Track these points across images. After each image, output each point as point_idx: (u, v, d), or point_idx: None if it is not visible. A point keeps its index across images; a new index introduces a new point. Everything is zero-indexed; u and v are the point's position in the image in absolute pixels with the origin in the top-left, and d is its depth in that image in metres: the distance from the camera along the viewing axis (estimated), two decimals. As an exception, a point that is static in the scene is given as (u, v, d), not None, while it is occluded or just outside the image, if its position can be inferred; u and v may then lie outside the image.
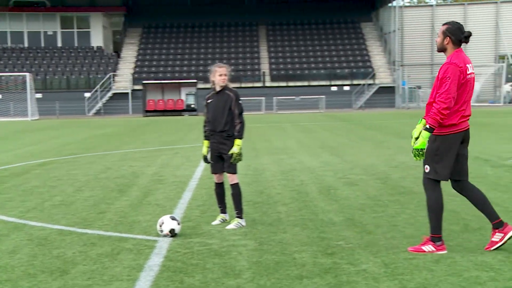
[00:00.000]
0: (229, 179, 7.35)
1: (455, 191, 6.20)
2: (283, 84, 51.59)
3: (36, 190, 10.18)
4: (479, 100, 53.01)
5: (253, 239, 6.58)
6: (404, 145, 16.92)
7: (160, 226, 6.73)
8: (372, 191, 9.51)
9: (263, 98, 47.84)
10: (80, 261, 5.80)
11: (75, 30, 57.64)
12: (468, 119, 5.91)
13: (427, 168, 5.92)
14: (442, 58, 44.16)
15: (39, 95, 48.15)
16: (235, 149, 7.16)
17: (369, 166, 12.49)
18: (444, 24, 5.93)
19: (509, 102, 50.61)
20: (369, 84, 50.82)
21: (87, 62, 53.78)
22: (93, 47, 56.41)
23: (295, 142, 19.20)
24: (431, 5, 62.34)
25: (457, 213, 7.69)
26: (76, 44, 57.01)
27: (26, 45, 56.78)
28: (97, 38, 57.34)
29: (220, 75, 7.28)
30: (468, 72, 5.77)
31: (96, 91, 49.88)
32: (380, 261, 5.61)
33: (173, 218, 6.78)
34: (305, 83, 51.51)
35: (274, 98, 47.97)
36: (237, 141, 7.20)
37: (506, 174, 10.88)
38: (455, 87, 5.68)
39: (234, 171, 7.29)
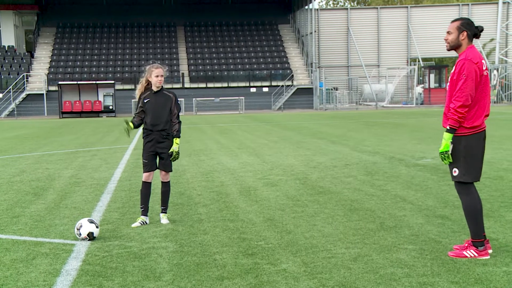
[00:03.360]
0: (164, 177, 7.54)
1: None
2: (202, 85, 51.50)
3: None
4: (392, 101, 54.65)
5: (173, 241, 6.55)
6: (322, 146, 17.23)
7: (78, 229, 6.60)
8: (292, 191, 9.65)
9: (182, 99, 47.57)
10: (-7, 267, 5.61)
11: (-15, 28, 55.52)
12: (485, 118, 5.71)
13: (455, 172, 5.65)
14: (357, 60, 44.81)
15: None
16: (175, 148, 7.41)
17: (289, 167, 12.65)
18: (454, 21, 5.74)
19: (421, 104, 52.41)
20: (288, 86, 51.43)
21: (-1, 61, 51.92)
22: (4, 46, 54.48)
23: (215, 143, 19.21)
24: (346, 8, 63.80)
25: (373, 211, 7.91)
26: (-14, 43, 54.92)
27: None
28: (9, 37, 55.40)
29: (157, 76, 7.38)
30: (483, 69, 5.60)
31: (8, 92, 48.20)
32: (300, 260, 5.70)
33: (91, 221, 6.66)
34: (224, 85, 51.59)
35: (194, 99, 47.80)
36: (177, 140, 7.47)
37: (419, 173, 11.27)
38: (472, 83, 5.50)
39: (170, 169, 7.55)
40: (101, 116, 46.01)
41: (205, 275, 5.30)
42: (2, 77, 49.56)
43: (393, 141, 17.56)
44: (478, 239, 5.61)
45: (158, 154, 7.49)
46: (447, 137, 5.57)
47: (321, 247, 6.17)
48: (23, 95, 48.46)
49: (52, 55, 53.46)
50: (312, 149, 16.52)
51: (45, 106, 48.54)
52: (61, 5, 56.94)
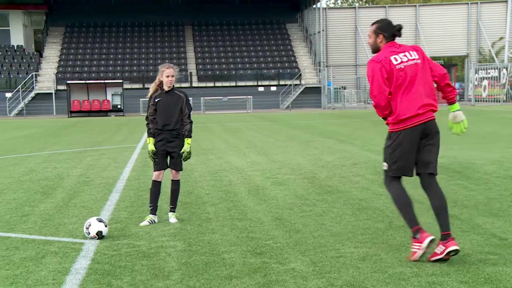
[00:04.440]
0: (174, 175, 7.61)
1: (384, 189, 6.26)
2: (210, 84, 51.52)
3: (-46, 194, 9.81)
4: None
5: (182, 240, 6.56)
6: (330, 145, 17.21)
7: (87, 228, 6.62)
8: (300, 190, 9.64)
9: (190, 98, 47.48)
10: (2, 265, 5.64)
11: (-6, 28, 55.75)
12: (425, 110, 5.55)
13: (385, 166, 5.76)
14: (366, 58, 44.66)
15: (-44, 95, 46.31)
16: (186, 148, 7.46)
17: (297, 166, 12.64)
18: (372, 24, 5.82)
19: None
20: (296, 85, 51.39)
21: (7, 61, 52.10)
22: (13, 46, 54.67)
23: (223, 142, 19.22)
24: (354, 7, 63.66)
25: (382, 211, 7.89)
26: (-5, 43, 55.15)
27: None
28: (18, 37, 55.60)
29: (168, 76, 7.42)
30: (394, 63, 5.54)
31: (17, 91, 48.39)
32: (308, 259, 5.70)
33: (100, 220, 6.68)
34: (232, 84, 51.61)
35: (202, 98, 47.82)
36: (188, 140, 7.51)
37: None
38: (379, 83, 5.53)
39: (181, 168, 7.61)
40: (110, 115, 46.12)
41: (214, 274, 5.30)
42: (11, 76, 49.75)
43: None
44: (414, 227, 5.62)
45: (168, 153, 7.51)
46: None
47: (330, 246, 6.16)
48: (32, 94, 48.63)
49: (60, 55, 53.62)
50: (320, 148, 16.50)
51: (54, 105, 48.70)
52: (70, 4, 57.07)
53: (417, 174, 5.76)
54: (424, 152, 5.63)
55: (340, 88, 53.81)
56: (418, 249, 5.52)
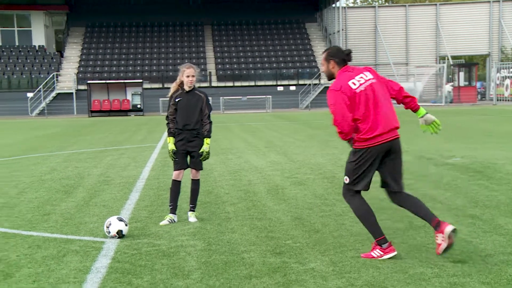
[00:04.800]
0: (194, 175, 7.64)
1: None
2: (230, 84, 51.59)
3: (-23, 193, 9.92)
4: (421, 100, 54.14)
5: (201, 239, 6.58)
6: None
7: (107, 227, 6.66)
8: (319, 190, 9.62)
9: (209, 98, 47.70)
10: (25, 264, 5.69)
11: (16, 28, 56.27)
12: (391, 128, 5.75)
13: (347, 179, 5.93)
14: (385, 58, 44.28)
15: (-21, 95, 46.84)
16: (205, 148, 7.49)
17: (316, 165, 12.62)
18: (323, 52, 5.99)
19: (450, 102, 51.90)
20: (315, 84, 51.28)
21: (29, 61, 52.59)
22: (35, 46, 55.17)
23: (242, 142, 19.23)
24: (374, 6, 63.35)
25: (402, 211, 7.83)
26: (17, 43, 55.66)
27: (-36, 43, 55.20)
28: (39, 37, 56.11)
29: (188, 76, 7.44)
30: (353, 88, 5.69)
31: (39, 91, 48.82)
32: (328, 259, 5.68)
33: (120, 219, 6.72)
34: (252, 83, 51.62)
35: (221, 98, 47.90)
36: (207, 140, 7.54)
37: (448, 173, 11.15)
38: (342, 111, 5.64)
39: (200, 168, 7.64)
40: (129, 115, 46.36)
41: (233, 274, 5.31)
42: (33, 76, 50.22)
43: (422, 140, 17.41)
44: (379, 237, 5.75)
45: (188, 152, 7.53)
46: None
47: (350, 246, 6.14)
48: (53, 94, 49.04)
49: (81, 55, 54.02)
50: (340, 147, 16.44)
51: (75, 105, 49.06)
52: (90, 5, 57.47)
53: (385, 186, 5.97)
54: (389, 169, 5.86)
55: (360, 88, 53.55)
56: (379, 256, 5.69)
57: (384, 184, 5.94)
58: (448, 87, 53.75)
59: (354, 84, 5.71)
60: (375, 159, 5.76)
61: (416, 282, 4.99)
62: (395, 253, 5.70)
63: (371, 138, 5.69)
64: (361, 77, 5.77)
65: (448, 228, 5.53)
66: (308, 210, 8.07)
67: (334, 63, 5.86)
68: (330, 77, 5.94)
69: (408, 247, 6.05)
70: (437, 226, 5.65)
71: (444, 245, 5.55)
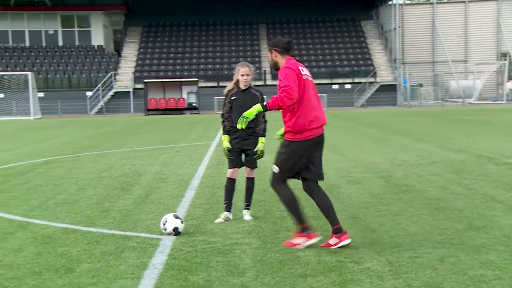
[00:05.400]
0: (249, 173, 7.67)
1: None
2: (284, 82, 51.54)
3: (39, 189, 10.19)
4: (481, 98, 52.94)
5: (256, 237, 6.59)
6: (406, 143, 16.91)
7: (164, 224, 6.73)
8: (375, 189, 9.51)
9: (264, 96, 47.82)
10: (84, 259, 5.81)
11: (76, 29, 57.63)
12: (321, 124, 6.15)
13: (276, 169, 6.20)
14: (443, 55, 43.60)
15: (41, 94, 48.15)
16: (260, 147, 7.51)
17: (372, 164, 12.48)
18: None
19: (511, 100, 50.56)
20: (371, 82, 50.77)
21: (88, 61, 53.78)
22: (94, 46, 56.40)
23: (297, 140, 19.17)
24: (432, 3, 62.24)
25: (461, 211, 7.69)
26: (77, 43, 57.00)
27: (27, 44, 56.80)
28: (98, 37, 57.32)
29: (243, 75, 7.47)
30: (303, 73, 6.05)
31: (97, 90, 49.87)
32: (384, 259, 5.61)
33: (176, 217, 6.79)
34: (306, 82, 51.43)
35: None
36: (262, 139, 7.57)
37: (509, 172, 10.87)
38: (293, 83, 5.89)
39: (255, 166, 7.67)
40: (185, 113, 46.86)
41: (288, 272, 5.29)
42: (92, 75, 51.34)
43: (482, 139, 17.02)
44: (302, 225, 6.12)
45: (243, 151, 7.55)
46: (257, 109, 5.99)
47: (406, 246, 6.05)
48: (111, 93, 50.02)
49: (138, 54, 54.92)
50: (396, 146, 16.24)
51: (132, 104, 49.93)
52: (147, 5, 58.37)
53: (303, 178, 6.27)
54: (313, 160, 6.18)
55: (416, 86, 52.79)
56: (302, 242, 6.03)
57: (305, 172, 6.21)
58: (509, 85, 52.37)
59: (302, 71, 6.09)
60: (306, 152, 6.09)
61: (476, 284, 4.87)
62: (320, 237, 6.08)
63: (305, 131, 6.02)
64: (304, 68, 6.17)
65: (346, 242, 6.01)
66: (363, 209, 7.99)
67: (276, 52, 6.16)
68: (276, 66, 6.22)
69: (468, 248, 5.92)
70: (339, 230, 6.07)
71: (334, 247, 5.99)
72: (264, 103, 5.99)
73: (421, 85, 53.57)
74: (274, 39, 6.26)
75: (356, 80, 51.33)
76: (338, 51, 55.00)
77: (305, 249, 6.02)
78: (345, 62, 53.37)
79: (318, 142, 6.16)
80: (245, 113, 6.04)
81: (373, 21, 59.43)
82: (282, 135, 6.24)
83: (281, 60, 6.17)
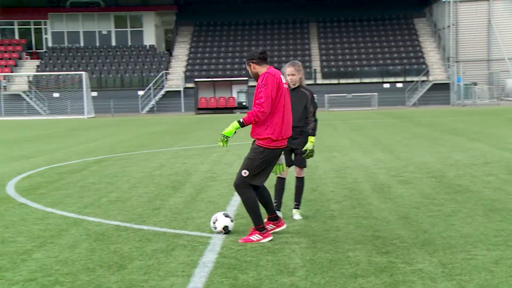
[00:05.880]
0: (298, 172, 7.65)
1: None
2: (335, 81, 51.26)
3: (93, 187, 10.39)
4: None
5: (306, 236, 6.56)
6: (459, 143, 16.61)
7: (214, 223, 6.77)
8: (427, 189, 9.36)
9: (314, 95, 47.60)
10: (136, 256, 5.89)
11: (129, 29, 58.52)
12: (288, 137, 6.52)
13: (246, 173, 6.39)
14: (499, 53, 42.63)
15: (94, 94, 49.09)
16: (309, 146, 7.43)
17: (424, 164, 12.30)
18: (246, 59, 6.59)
19: None
20: (423, 81, 49.99)
21: (140, 60, 54.54)
22: (146, 45, 57.17)
23: (347, 139, 19.05)
24: (488, 0, 60.83)
25: (516, 212, 7.50)
26: (129, 43, 57.88)
27: (82, 44, 58.00)
28: (150, 37, 58.08)
29: (289, 74, 7.44)
30: (282, 81, 6.38)
31: (149, 89, 50.54)
32: (437, 260, 5.51)
33: (226, 215, 6.82)
34: (357, 80, 51.04)
35: (326, 95, 47.67)
36: (311, 138, 7.47)
37: None
38: (270, 93, 6.22)
39: (304, 165, 7.64)
40: (235, 113, 47.05)
41: (339, 272, 5.25)
42: (144, 75, 52.06)
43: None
44: (259, 225, 6.43)
45: (293, 150, 7.53)
46: (235, 126, 6.34)
47: (460, 247, 5.93)
48: (162, 92, 50.63)
49: (189, 53, 55.40)
50: (449, 146, 15.96)
51: (182, 103, 50.42)
52: (198, 4, 58.87)
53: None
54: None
55: (470, 84, 51.74)
56: (257, 240, 6.35)
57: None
58: None
59: (282, 79, 6.42)
60: (275, 159, 6.49)
61: (532, 287, 4.74)
62: (271, 238, 6.44)
63: (279, 140, 6.36)
64: (282, 77, 6.46)
65: (282, 227, 6.73)
66: (415, 209, 7.87)
67: (254, 64, 6.48)
68: (256, 77, 6.51)
69: (523, 250, 5.77)
70: (276, 218, 6.73)
71: (272, 231, 6.59)
72: (241, 120, 6.31)
73: (475, 84, 52.48)
74: (249, 53, 6.54)
75: (408, 78, 50.62)
76: (389, 50, 54.34)
77: (355, 249, 5.97)
78: (397, 61, 52.69)
79: (281, 152, 6.56)
80: (224, 132, 6.37)
81: (426, 19, 58.49)
82: (229, 136, 6.40)
83: (261, 69, 6.47)
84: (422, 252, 5.80)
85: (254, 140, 6.48)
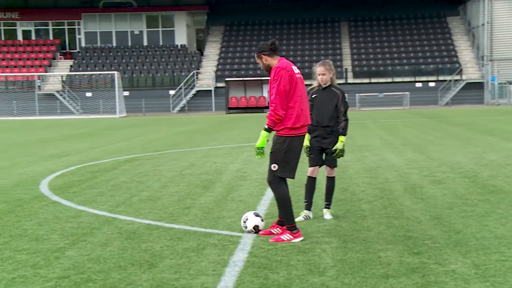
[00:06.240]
0: (329, 172, 7.62)
1: None
2: (366, 80, 50.96)
3: (124, 185, 10.48)
4: None
5: (337, 236, 6.53)
6: (493, 143, 16.37)
7: (244, 222, 6.78)
8: (460, 189, 9.25)
9: (345, 95, 47.35)
10: (167, 255, 5.92)
11: (160, 29, 58.94)
12: (307, 125, 6.49)
13: (275, 167, 6.40)
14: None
15: (126, 93, 49.56)
16: (339, 146, 7.39)
17: (456, 164, 12.15)
18: (255, 53, 6.53)
19: None
20: (456, 80, 49.41)
21: (172, 60, 54.89)
22: (177, 45, 57.52)
23: (378, 139, 18.92)
24: (523, -3, 59.85)
25: (552, 213, 7.36)
26: (161, 43, 58.29)
27: (114, 44, 58.58)
28: (181, 37, 58.43)
29: (319, 74, 7.40)
30: (295, 72, 6.34)
31: (180, 88, 50.84)
32: (470, 261, 5.44)
33: (256, 215, 6.82)
34: (389, 80, 50.65)
35: (357, 95, 47.43)
36: (341, 138, 7.43)
37: None
38: (285, 87, 6.21)
39: (335, 165, 7.59)
40: (265, 112, 47.05)
41: (370, 272, 5.22)
42: (175, 74, 52.39)
43: None
44: (291, 224, 6.42)
45: (323, 149, 7.50)
46: (264, 135, 6.33)
47: (494, 249, 5.84)
48: (193, 91, 50.88)
49: (220, 53, 55.59)
50: (482, 146, 15.74)
51: (213, 102, 50.61)
52: (229, 4, 59.04)
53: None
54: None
55: (505, 83, 50.97)
56: (288, 239, 6.33)
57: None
58: None
59: (295, 70, 6.39)
60: (298, 148, 6.42)
61: None
62: (302, 238, 6.38)
63: (300, 128, 6.35)
64: (295, 68, 6.44)
65: (299, 239, 6.38)
66: (448, 210, 7.78)
67: (265, 56, 6.41)
68: (268, 69, 6.44)
69: (559, 252, 5.66)
70: (282, 224, 6.56)
71: (283, 241, 6.35)
72: (266, 126, 6.30)
73: (510, 83, 51.69)
74: (259, 46, 6.51)
75: (441, 77, 50.09)
76: (422, 48, 53.83)
77: (387, 249, 5.92)
78: (429, 60, 52.16)
79: (303, 140, 6.52)
80: (257, 145, 6.39)
81: (460, 17, 57.79)
82: (263, 147, 6.41)
83: (273, 61, 6.42)
84: (455, 253, 5.73)
85: (275, 133, 6.50)
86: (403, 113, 38.45)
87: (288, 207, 6.44)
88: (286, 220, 6.46)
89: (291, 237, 6.37)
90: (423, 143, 16.82)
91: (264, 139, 6.34)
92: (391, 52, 53.85)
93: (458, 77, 49.63)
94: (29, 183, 10.92)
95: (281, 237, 6.40)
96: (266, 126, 6.29)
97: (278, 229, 6.63)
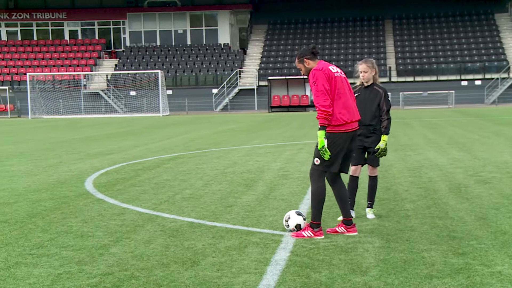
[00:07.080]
0: (371, 171, 7.58)
1: None
2: (410, 79, 50.35)
3: (167, 184, 10.58)
4: None
5: (379, 236, 6.47)
6: (541, 142, 16.00)
7: (286, 221, 6.77)
8: (507, 189, 9.07)
9: (389, 93, 46.91)
10: (209, 253, 5.96)
11: (203, 28, 59.34)
12: (356, 119, 6.51)
13: (317, 161, 6.48)
14: None
15: (169, 92, 50.04)
16: (381, 145, 7.34)
17: (503, 164, 11.91)
18: (296, 58, 6.66)
19: None
20: (503, 78, 48.44)
21: (215, 59, 55.19)
22: (220, 44, 57.80)
23: (422, 138, 18.67)
24: None
25: None
26: (204, 42, 58.68)
27: (158, 43, 59.19)
28: (224, 36, 58.71)
29: (361, 71, 7.36)
30: (333, 71, 6.41)
31: (223, 87, 51.08)
32: (517, 263, 5.33)
33: (298, 214, 6.81)
34: (433, 78, 49.96)
35: (401, 93, 46.90)
36: (384, 137, 7.38)
37: None
38: (325, 86, 6.29)
39: (377, 164, 7.54)
40: (308, 111, 46.93)
41: (413, 273, 5.16)
42: (218, 73, 52.66)
43: None
44: (316, 221, 6.47)
45: (365, 148, 7.44)
46: (320, 135, 6.38)
47: (541, 251, 5.71)
48: (236, 90, 51.07)
49: (263, 51, 55.65)
50: (530, 145, 15.40)
51: (255, 101, 50.69)
52: (273, 3, 59.04)
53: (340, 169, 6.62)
54: (347, 154, 6.58)
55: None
56: (308, 236, 6.42)
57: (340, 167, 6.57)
58: None
59: (333, 69, 6.45)
60: (344, 145, 6.44)
61: None
62: (322, 237, 6.44)
63: (344, 125, 6.39)
64: (335, 67, 6.53)
65: (353, 234, 6.54)
66: (494, 210, 7.64)
67: (308, 60, 6.51)
68: (309, 72, 6.52)
69: None
70: (349, 222, 6.59)
71: (339, 233, 6.56)
72: (319, 126, 6.38)
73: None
74: (300, 51, 6.60)
75: (487, 76, 49.19)
76: (468, 46, 52.93)
77: (430, 249, 5.85)
78: (476, 58, 51.26)
79: (353, 136, 6.52)
80: (319, 146, 6.40)
81: (508, 14, 56.62)
82: (324, 145, 6.43)
83: (314, 64, 6.51)
84: (502, 254, 5.62)
85: None
86: (448, 111, 37.87)
87: (319, 203, 6.49)
88: (313, 216, 6.50)
89: (312, 234, 6.44)
90: (468, 142, 16.55)
91: (322, 138, 6.38)
92: (436, 50, 53.10)
93: (505, 75, 48.65)
94: (74, 181, 11.12)
95: (303, 233, 6.47)
96: (320, 126, 6.38)
97: (342, 228, 6.61)
